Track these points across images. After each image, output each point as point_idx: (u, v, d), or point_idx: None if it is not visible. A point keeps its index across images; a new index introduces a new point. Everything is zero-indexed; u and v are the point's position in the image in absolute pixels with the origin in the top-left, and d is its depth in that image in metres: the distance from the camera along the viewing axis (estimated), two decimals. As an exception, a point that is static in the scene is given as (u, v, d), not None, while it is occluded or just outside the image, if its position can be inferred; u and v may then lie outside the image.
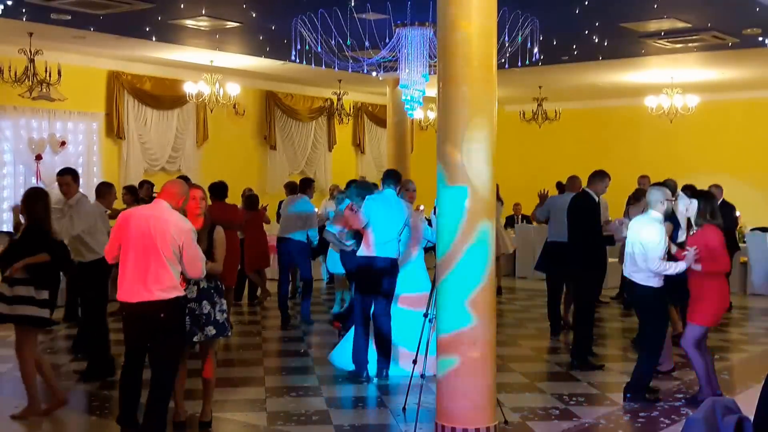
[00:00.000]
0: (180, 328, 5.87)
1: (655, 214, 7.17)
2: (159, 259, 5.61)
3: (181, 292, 5.76)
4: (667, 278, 7.22)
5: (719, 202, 9.78)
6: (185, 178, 8.42)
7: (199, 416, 6.45)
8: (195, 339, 6.15)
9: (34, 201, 6.81)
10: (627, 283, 7.66)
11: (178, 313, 5.78)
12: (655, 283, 7.15)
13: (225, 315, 6.27)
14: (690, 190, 8.49)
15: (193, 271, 5.79)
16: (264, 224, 12.49)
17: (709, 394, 6.89)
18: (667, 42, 12.61)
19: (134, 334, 5.85)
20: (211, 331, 6.16)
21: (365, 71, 12.16)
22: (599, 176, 9.00)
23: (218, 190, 10.58)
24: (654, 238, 7.01)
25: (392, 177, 8.45)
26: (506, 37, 9.82)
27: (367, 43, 10.40)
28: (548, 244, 10.64)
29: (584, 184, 10.46)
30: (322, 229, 10.68)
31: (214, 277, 6.22)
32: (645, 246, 7.03)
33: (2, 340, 9.42)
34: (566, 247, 9.24)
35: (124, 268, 5.71)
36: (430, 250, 9.45)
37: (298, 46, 10.28)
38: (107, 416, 6.84)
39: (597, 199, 8.95)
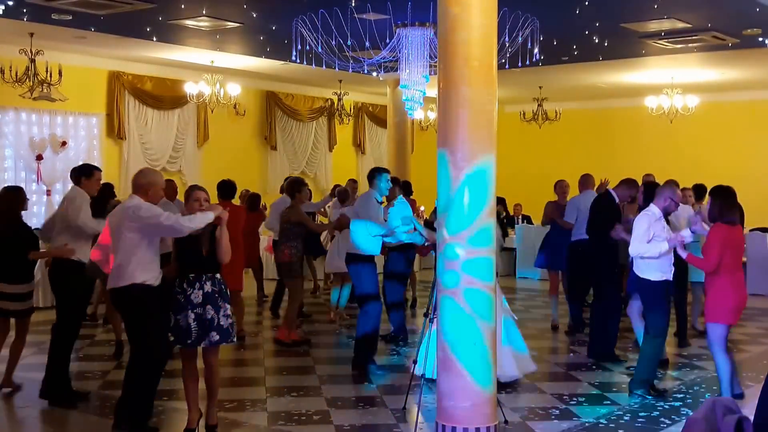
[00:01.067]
0: (150, 316, 5.91)
1: (653, 208, 7.38)
2: (123, 247, 5.90)
3: (147, 278, 5.91)
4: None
5: None
6: None
7: (205, 419, 6.32)
8: (202, 345, 6.00)
9: None
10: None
11: (140, 298, 5.89)
12: (654, 276, 7.32)
13: (230, 320, 6.06)
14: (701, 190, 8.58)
15: (178, 230, 5.86)
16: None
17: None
18: (668, 42, 12.62)
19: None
20: (214, 337, 5.96)
21: (366, 71, 12.17)
22: (627, 184, 9.16)
23: (226, 189, 9.94)
24: (639, 225, 7.29)
25: None
26: (506, 37, 9.83)
27: (367, 44, 10.41)
28: (573, 243, 10.26)
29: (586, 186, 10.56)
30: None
31: (219, 281, 6.07)
32: (633, 233, 7.31)
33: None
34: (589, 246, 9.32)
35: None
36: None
37: (299, 47, 10.28)
38: (107, 416, 6.84)
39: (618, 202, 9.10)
